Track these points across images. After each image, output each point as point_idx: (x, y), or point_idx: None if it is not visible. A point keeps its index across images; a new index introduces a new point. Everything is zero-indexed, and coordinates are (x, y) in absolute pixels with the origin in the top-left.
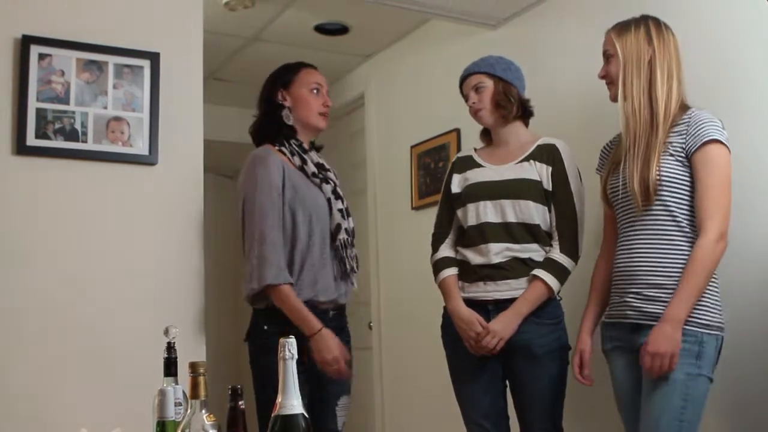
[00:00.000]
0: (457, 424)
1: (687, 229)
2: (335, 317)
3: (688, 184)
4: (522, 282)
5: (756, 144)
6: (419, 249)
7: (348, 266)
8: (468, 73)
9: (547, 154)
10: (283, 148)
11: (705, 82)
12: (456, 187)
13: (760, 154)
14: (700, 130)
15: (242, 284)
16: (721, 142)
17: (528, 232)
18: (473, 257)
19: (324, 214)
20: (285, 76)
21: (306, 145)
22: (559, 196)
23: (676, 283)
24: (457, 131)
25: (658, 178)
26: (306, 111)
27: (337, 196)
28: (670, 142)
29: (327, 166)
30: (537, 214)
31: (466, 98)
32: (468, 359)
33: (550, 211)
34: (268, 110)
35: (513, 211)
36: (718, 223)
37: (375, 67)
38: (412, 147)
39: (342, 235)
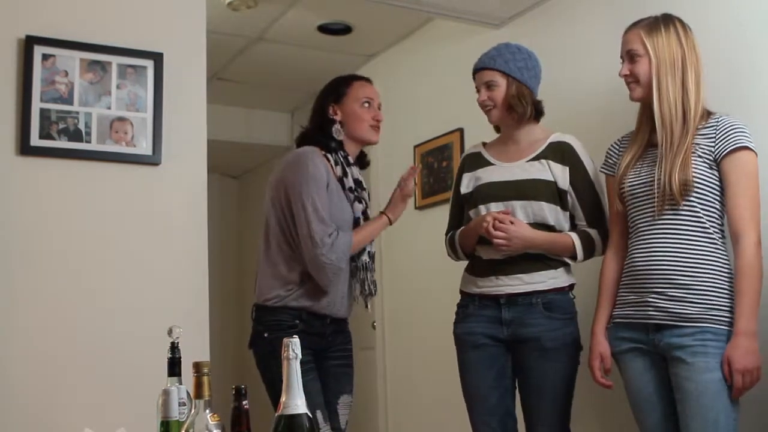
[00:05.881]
0: (460, 424)
1: (710, 231)
2: (333, 321)
3: (715, 187)
4: (534, 276)
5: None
6: (423, 248)
7: (367, 289)
8: (482, 67)
9: (561, 153)
10: (329, 155)
11: (713, 80)
12: (465, 187)
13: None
14: (730, 135)
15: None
16: (751, 149)
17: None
18: (485, 252)
19: (348, 230)
20: (337, 90)
21: (351, 159)
22: (582, 193)
23: (700, 283)
24: (461, 131)
25: (693, 179)
26: (357, 125)
27: (366, 218)
28: (698, 144)
29: (364, 185)
30: (550, 214)
31: (477, 90)
32: (477, 354)
33: (564, 210)
34: (320, 123)
35: (524, 213)
36: (754, 228)
37: (378, 67)
38: (415, 146)
39: (364, 257)
